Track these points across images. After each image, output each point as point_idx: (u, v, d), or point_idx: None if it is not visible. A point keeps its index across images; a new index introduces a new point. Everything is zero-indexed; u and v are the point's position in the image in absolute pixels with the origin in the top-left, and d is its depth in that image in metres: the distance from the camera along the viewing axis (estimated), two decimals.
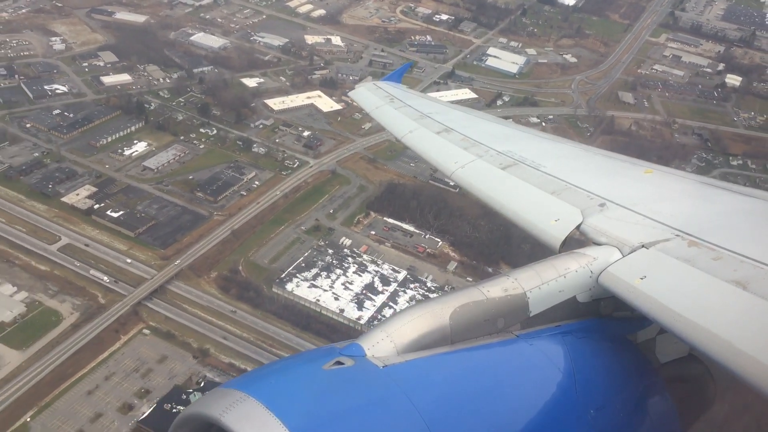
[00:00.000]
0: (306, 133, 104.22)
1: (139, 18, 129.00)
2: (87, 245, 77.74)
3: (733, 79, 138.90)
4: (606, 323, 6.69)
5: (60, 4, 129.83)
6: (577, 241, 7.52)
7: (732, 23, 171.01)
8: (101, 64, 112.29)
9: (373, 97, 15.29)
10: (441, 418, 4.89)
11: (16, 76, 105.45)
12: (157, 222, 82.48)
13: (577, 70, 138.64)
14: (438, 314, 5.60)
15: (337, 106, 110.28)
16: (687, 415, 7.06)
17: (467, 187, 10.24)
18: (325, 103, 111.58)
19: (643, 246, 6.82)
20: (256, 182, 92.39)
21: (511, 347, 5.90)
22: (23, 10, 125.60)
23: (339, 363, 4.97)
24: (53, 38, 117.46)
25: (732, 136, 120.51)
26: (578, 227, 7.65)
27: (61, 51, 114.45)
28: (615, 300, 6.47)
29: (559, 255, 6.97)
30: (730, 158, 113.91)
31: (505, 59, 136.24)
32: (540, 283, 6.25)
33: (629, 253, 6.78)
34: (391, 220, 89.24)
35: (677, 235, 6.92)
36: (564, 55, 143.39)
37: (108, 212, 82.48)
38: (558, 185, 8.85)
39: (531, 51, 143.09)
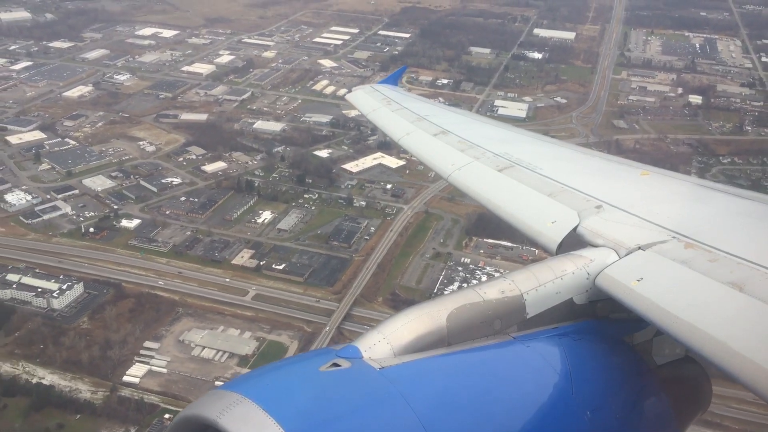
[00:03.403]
0: (388, 186, 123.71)
1: (201, 116, 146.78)
2: (272, 293, 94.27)
3: (695, 99, 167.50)
4: (603, 325, 6.77)
5: (126, 115, 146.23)
6: (573, 242, 7.65)
7: (672, 55, 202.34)
8: (194, 157, 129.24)
9: (370, 99, 15.57)
10: (438, 419, 4.90)
11: (132, 176, 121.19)
12: (315, 268, 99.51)
13: (570, 109, 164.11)
14: (435, 316, 5.67)
15: (401, 162, 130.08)
16: (683, 417, 7.17)
17: (464, 189, 10.48)
18: (391, 161, 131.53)
19: (639, 248, 6.89)
20: (372, 228, 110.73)
21: (508, 349, 5.97)
22: (99, 124, 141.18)
23: (335, 365, 5.02)
24: (140, 142, 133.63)
25: (713, 142, 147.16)
26: (575, 229, 7.78)
27: (153, 152, 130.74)
28: (612, 302, 6.52)
29: (555, 257, 7.13)
30: (720, 158, 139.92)
31: (511, 107, 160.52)
32: (537, 285, 6.35)
33: (626, 255, 6.85)
34: (490, 240, 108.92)
35: (674, 237, 7.00)
36: (554, 98, 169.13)
37: (273, 266, 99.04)
38: (555, 187, 9.03)
39: (527, 98, 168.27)
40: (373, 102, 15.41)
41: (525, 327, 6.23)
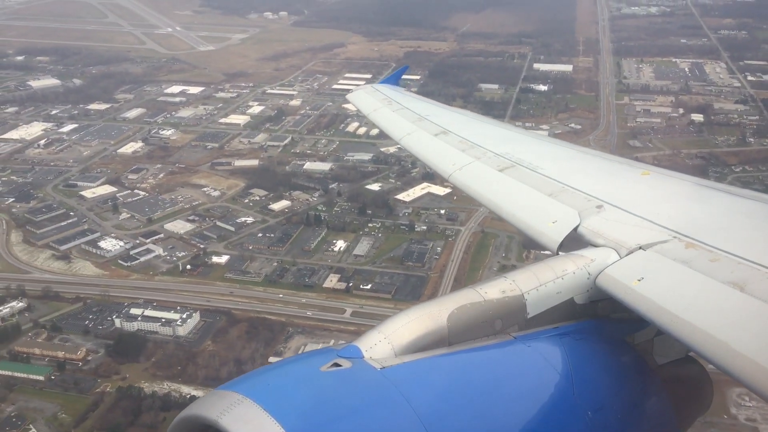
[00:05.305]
0: (442, 211, 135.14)
1: (253, 162, 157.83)
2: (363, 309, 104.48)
3: (697, 117, 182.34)
4: (604, 325, 6.84)
5: (183, 165, 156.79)
6: (574, 242, 7.79)
7: (665, 80, 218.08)
8: (258, 198, 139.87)
9: (370, 100, 16.07)
10: (439, 419, 4.98)
11: (207, 219, 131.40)
12: (399, 286, 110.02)
13: (585, 133, 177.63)
14: (435, 316, 5.77)
15: (447, 190, 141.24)
16: (684, 417, 7.22)
17: (465, 189, 10.57)
18: (438, 189, 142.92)
19: (640, 248, 6.95)
20: (438, 248, 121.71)
21: (509, 349, 6.03)
22: (161, 175, 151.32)
23: (336, 365, 5.10)
24: (203, 189, 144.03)
25: (723, 154, 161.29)
26: (576, 229, 7.92)
27: (219, 196, 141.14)
28: (612, 302, 6.60)
29: (556, 257, 7.27)
30: (733, 168, 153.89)
31: None
32: (538, 285, 6.45)
33: (626, 255, 6.91)
34: (546, 252, 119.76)
35: (674, 237, 7.03)
36: (569, 125, 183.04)
37: (361, 286, 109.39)
38: (555, 187, 9.14)
39: (544, 126, 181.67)
40: (374, 102, 15.77)
41: (526, 327, 6.35)
